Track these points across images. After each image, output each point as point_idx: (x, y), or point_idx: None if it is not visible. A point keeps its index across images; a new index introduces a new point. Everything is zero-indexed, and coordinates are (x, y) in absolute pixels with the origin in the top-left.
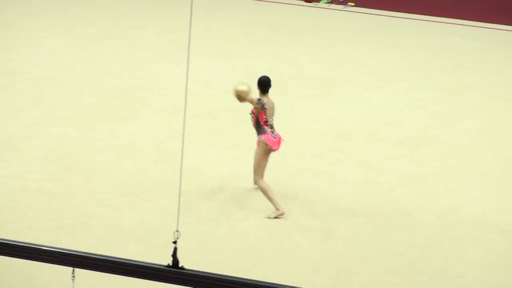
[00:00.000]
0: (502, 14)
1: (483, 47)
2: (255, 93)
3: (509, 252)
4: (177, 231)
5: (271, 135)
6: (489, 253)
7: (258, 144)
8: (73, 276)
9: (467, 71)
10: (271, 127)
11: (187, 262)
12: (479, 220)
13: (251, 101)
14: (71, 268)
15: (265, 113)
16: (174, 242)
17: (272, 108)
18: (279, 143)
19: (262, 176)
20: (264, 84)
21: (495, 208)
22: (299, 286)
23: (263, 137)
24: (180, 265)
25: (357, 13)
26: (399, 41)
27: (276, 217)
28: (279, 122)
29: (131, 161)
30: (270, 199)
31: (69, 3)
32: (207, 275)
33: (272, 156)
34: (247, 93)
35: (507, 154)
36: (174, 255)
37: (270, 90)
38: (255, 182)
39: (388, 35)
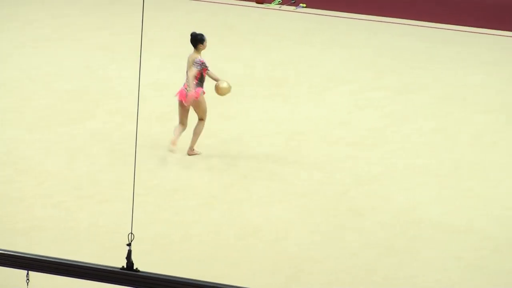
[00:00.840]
0: (451, 14)
1: (434, 47)
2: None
3: (463, 252)
4: (131, 233)
5: (184, 87)
6: (443, 253)
7: None
8: (28, 279)
9: (418, 71)
10: (187, 80)
11: (142, 264)
12: (433, 220)
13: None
14: (25, 271)
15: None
16: (128, 245)
17: (188, 62)
18: (185, 96)
19: (180, 121)
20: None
21: (449, 208)
22: None
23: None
24: (134, 267)
25: (308, 14)
26: (351, 42)
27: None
28: (231, 122)
29: (84, 163)
30: (174, 134)
31: (18, 4)
32: (162, 277)
33: (225, 156)
34: (227, 88)
35: (461, 154)
36: (129, 257)
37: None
38: None
39: (340, 36)
